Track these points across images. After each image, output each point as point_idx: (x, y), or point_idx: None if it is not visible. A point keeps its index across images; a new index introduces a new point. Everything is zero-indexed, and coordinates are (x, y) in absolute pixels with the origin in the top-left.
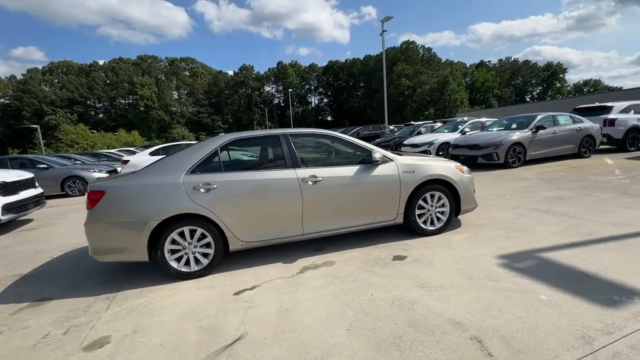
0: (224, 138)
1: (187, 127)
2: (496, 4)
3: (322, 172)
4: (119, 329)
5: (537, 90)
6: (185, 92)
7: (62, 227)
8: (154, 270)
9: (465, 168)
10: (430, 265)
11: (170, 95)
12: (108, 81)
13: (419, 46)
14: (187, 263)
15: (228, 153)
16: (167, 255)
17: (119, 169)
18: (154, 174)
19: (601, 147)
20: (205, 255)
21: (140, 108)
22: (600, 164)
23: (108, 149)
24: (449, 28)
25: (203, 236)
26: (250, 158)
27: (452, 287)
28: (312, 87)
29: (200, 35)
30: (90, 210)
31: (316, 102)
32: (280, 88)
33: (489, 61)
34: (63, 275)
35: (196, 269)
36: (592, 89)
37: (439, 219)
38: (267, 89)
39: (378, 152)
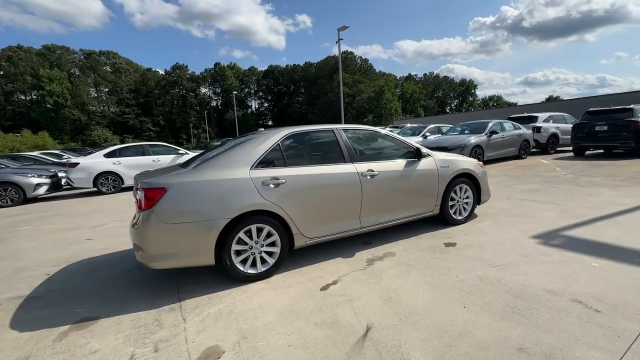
0: (283, 131)
1: (110, 128)
2: (417, 24)
3: (376, 166)
4: (222, 337)
5: (455, 103)
6: (107, 89)
7: (26, 242)
8: (196, 275)
9: (481, 163)
10: (484, 249)
11: (88, 92)
12: (1, 72)
13: (357, 57)
14: (253, 264)
15: (288, 147)
16: (233, 257)
17: (61, 174)
18: (217, 169)
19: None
20: (270, 254)
21: (48, 105)
22: (539, 163)
23: (22, 151)
24: (377, 42)
25: (269, 234)
26: (309, 152)
27: (519, 265)
28: (252, 91)
29: (120, 28)
30: (148, 210)
31: (256, 106)
32: (218, 90)
33: (416, 75)
34: (87, 292)
35: (262, 269)
36: (495, 104)
37: (465, 209)
38: (203, 90)
39: (423, 148)
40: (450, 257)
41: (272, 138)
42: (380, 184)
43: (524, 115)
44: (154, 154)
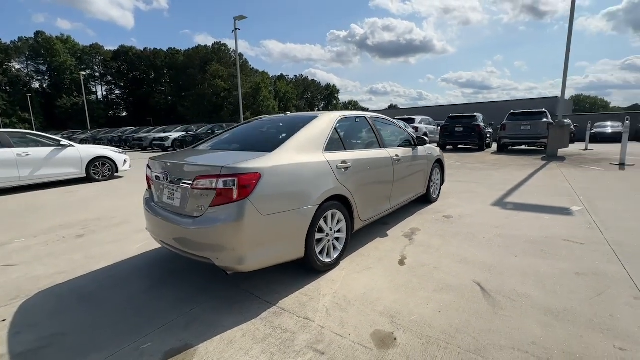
0: (334, 114)
1: None
2: (281, 26)
3: (398, 151)
4: (371, 322)
5: (322, 104)
6: None
7: None
8: (234, 279)
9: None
10: (474, 217)
11: None
12: None
13: (231, 50)
14: (327, 252)
15: (341, 131)
16: (315, 246)
17: None
18: (295, 152)
19: None
20: (337, 240)
21: None
22: None
23: None
24: (243, 38)
25: (339, 220)
26: (354, 137)
27: (508, 224)
28: (97, 74)
29: None
30: (242, 200)
31: (104, 92)
32: (43, 68)
33: (287, 75)
34: (123, 321)
35: (334, 257)
36: (353, 108)
37: (437, 189)
38: (16, 65)
39: (424, 136)
40: (460, 226)
41: (329, 120)
42: (402, 168)
43: (406, 117)
44: (19, 146)
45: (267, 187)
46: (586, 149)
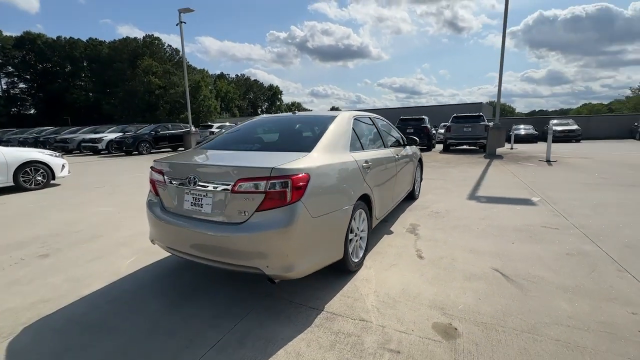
0: (347, 114)
1: None
2: (217, 23)
3: (397, 151)
4: (427, 317)
5: (265, 105)
6: None
7: None
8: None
9: None
10: (459, 211)
11: None
12: None
13: (166, 45)
14: (355, 252)
15: (356, 130)
16: (349, 246)
17: None
18: (330, 151)
19: None
20: (361, 239)
21: None
22: None
23: None
24: (176, 32)
25: (362, 219)
26: (364, 137)
27: (490, 216)
28: None
29: None
30: (295, 203)
31: (3, 86)
32: None
33: (228, 74)
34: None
35: (360, 256)
36: (296, 110)
37: (419, 186)
38: None
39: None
40: (452, 219)
41: (348, 120)
42: (401, 167)
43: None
44: None
45: (315, 188)
46: (512, 148)
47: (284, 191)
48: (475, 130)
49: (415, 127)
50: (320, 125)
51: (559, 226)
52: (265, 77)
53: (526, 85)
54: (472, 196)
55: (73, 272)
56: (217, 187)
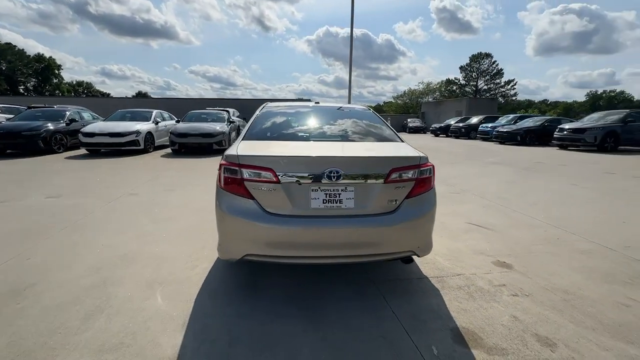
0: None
1: None
2: None
3: None
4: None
5: (33, 82)
6: None
7: None
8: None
9: None
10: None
11: None
12: None
13: None
14: None
15: None
16: None
17: None
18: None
19: None
20: None
21: None
22: None
23: None
24: None
25: None
26: None
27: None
28: None
29: None
30: (434, 187)
31: None
32: None
33: None
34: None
35: None
36: (86, 92)
37: None
38: None
39: None
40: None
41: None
42: None
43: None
44: None
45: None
46: None
47: (430, 177)
48: None
49: None
50: (367, 117)
51: (551, 217)
52: (19, 41)
53: (322, 87)
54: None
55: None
56: (366, 179)
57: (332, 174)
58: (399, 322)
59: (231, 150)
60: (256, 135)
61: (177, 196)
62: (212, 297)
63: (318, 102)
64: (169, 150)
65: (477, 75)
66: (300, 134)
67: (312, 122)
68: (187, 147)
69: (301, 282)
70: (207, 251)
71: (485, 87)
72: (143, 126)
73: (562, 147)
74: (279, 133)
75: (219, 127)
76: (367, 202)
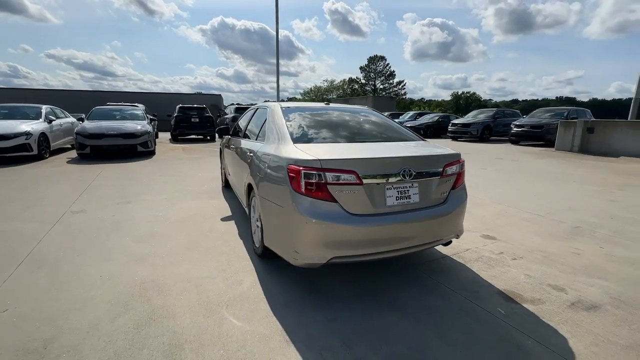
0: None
1: None
2: None
3: None
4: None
5: None
6: None
7: None
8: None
9: None
10: None
11: None
12: None
13: None
14: None
15: None
16: None
17: None
18: None
19: None
20: None
21: None
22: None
23: None
24: None
25: None
26: None
27: None
28: None
29: None
30: (464, 181)
31: None
32: None
33: None
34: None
35: None
36: None
37: None
38: None
39: None
40: None
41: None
42: None
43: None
44: None
45: None
46: None
47: (464, 171)
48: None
49: (200, 117)
50: (381, 117)
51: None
52: None
53: (221, 81)
54: None
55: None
56: (429, 176)
57: (405, 173)
58: (460, 295)
59: (300, 155)
60: (301, 138)
61: (140, 209)
62: (287, 307)
63: (329, 102)
64: (72, 154)
65: (375, 75)
66: (345, 135)
67: (346, 124)
68: (102, 150)
69: (354, 279)
70: (238, 264)
71: (382, 86)
72: (34, 126)
73: (454, 138)
74: (325, 135)
75: (140, 126)
76: (427, 195)
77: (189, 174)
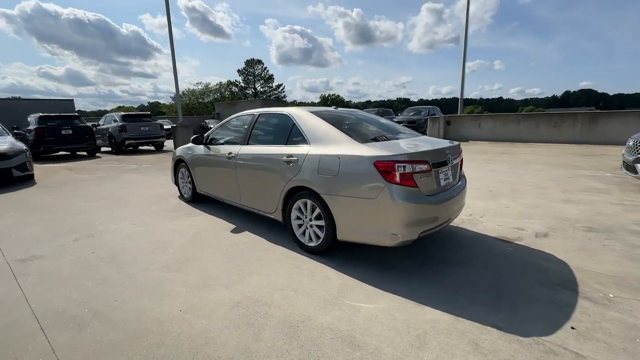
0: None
1: None
2: None
3: None
4: None
5: None
6: None
7: None
8: None
9: None
10: None
11: None
12: None
13: None
14: None
15: None
16: None
17: None
18: None
19: None
20: None
21: None
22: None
23: None
24: None
25: None
26: None
27: None
28: None
29: None
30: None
31: None
32: None
33: None
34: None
35: None
36: None
37: None
38: None
39: None
40: None
41: None
42: None
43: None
44: None
45: None
46: None
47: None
48: (153, 129)
49: (74, 128)
50: (383, 118)
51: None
52: None
53: (47, 82)
54: None
55: None
56: (456, 162)
57: (448, 160)
58: (480, 246)
59: (382, 152)
60: (362, 139)
61: (118, 238)
62: (389, 284)
63: (337, 107)
64: None
65: (254, 78)
66: (384, 134)
67: (376, 124)
68: None
69: (407, 254)
70: (304, 265)
71: (262, 89)
72: None
73: None
74: (374, 135)
75: (9, 144)
76: (455, 176)
77: (130, 194)
